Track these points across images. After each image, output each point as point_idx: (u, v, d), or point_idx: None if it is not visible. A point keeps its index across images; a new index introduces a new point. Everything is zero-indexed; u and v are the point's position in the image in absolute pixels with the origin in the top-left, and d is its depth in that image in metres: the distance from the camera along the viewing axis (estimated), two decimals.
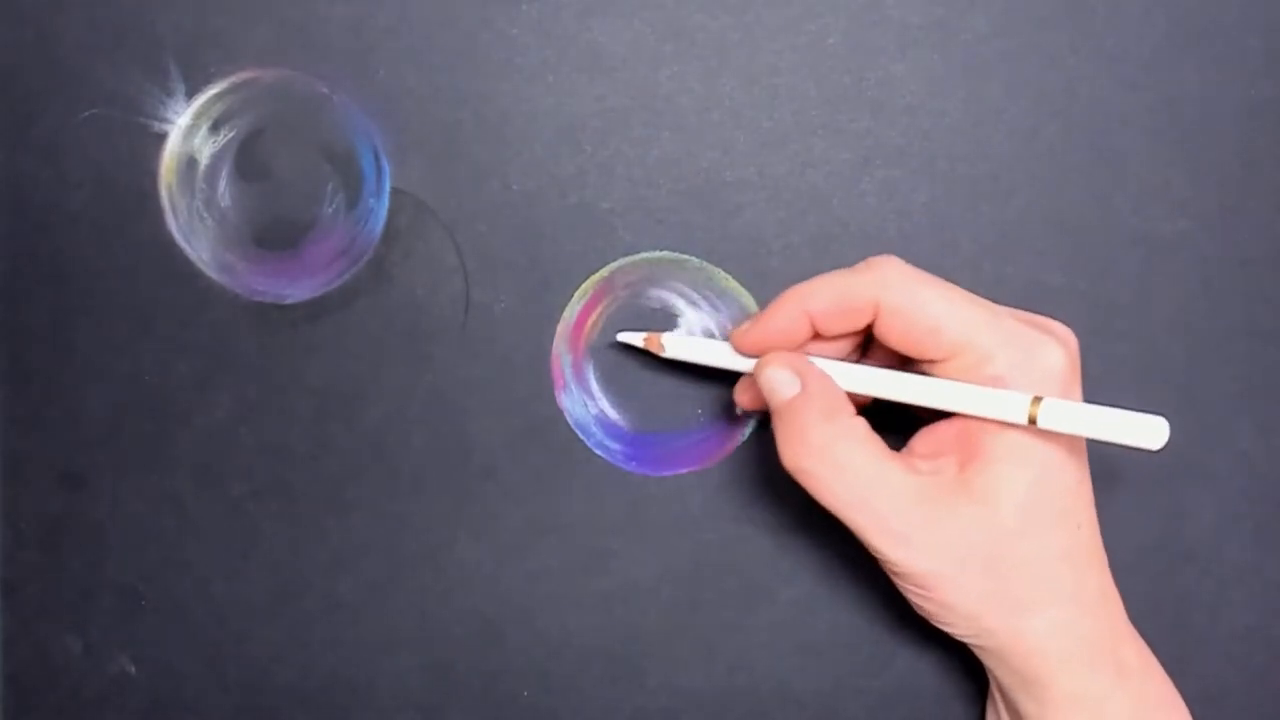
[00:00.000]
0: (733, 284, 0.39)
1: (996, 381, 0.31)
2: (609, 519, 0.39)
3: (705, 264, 0.39)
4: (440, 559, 0.39)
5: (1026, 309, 0.39)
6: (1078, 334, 0.39)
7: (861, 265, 0.33)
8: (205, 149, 0.38)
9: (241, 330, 0.39)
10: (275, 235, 0.38)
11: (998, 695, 0.36)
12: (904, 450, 0.34)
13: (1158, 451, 0.30)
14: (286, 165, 0.38)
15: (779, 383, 0.33)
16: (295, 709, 0.40)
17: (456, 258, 0.39)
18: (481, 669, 0.40)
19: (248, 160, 0.38)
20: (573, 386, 0.39)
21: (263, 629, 0.40)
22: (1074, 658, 0.32)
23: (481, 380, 0.39)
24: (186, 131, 0.37)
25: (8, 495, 0.39)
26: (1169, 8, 0.39)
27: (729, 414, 0.39)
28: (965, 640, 0.34)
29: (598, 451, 0.39)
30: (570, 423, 0.39)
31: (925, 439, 0.34)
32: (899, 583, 0.33)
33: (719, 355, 0.36)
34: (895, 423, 0.36)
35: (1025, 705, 0.34)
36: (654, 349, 0.37)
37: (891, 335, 0.32)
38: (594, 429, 0.39)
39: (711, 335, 0.39)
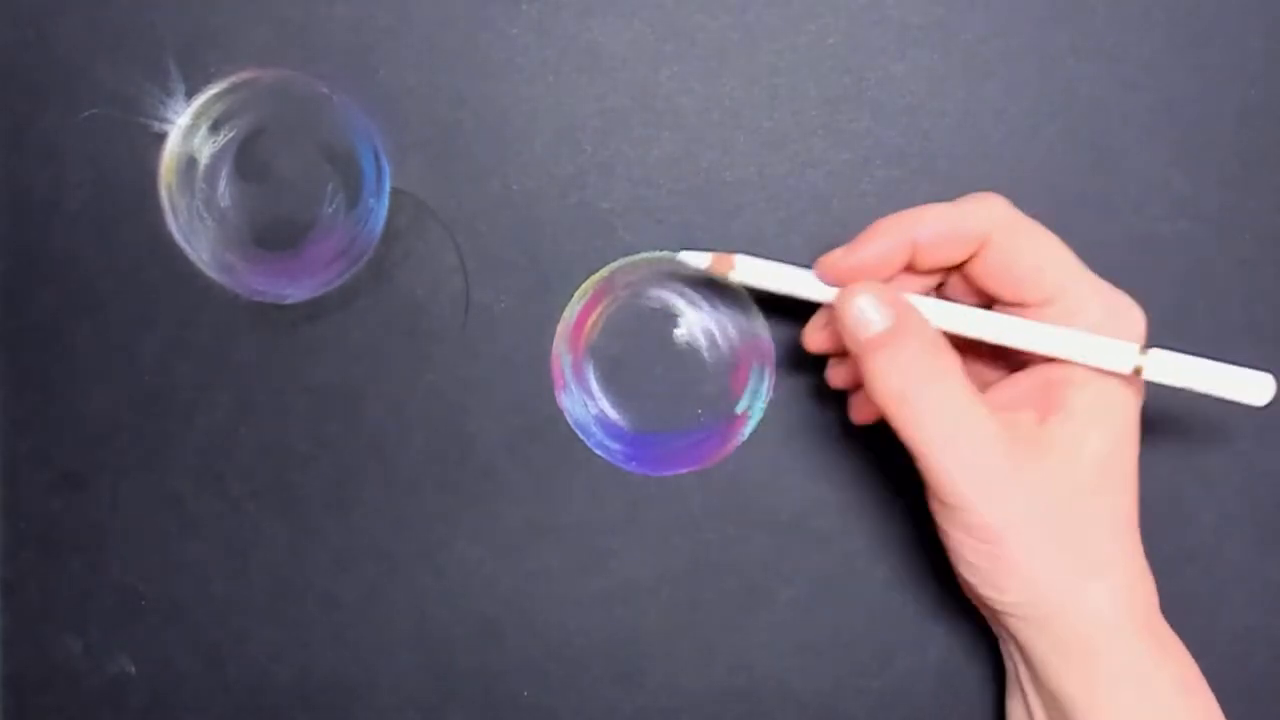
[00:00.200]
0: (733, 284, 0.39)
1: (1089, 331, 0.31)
2: (609, 519, 0.39)
3: None
4: (440, 559, 0.39)
5: None
6: None
7: (967, 199, 0.33)
8: (205, 149, 0.38)
9: (241, 330, 0.39)
10: (275, 235, 0.38)
11: (1025, 680, 0.34)
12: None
13: (1264, 408, 0.29)
14: (286, 165, 0.38)
15: (868, 312, 0.32)
16: (295, 709, 0.40)
17: (456, 258, 0.39)
18: (481, 669, 0.40)
19: (248, 160, 0.38)
20: (573, 386, 0.39)
21: (263, 629, 0.40)
22: (1126, 628, 0.32)
23: (481, 380, 0.39)
24: (186, 131, 0.37)
25: (8, 495, 0.39)
26: (1169, 8, 0.39)
27: (729, 414, 0.39)
28: (1008, 610, 0.32)
29: (598, 451, 0.39)
30: (570, 423, 0.39)
31: (1001, 391, 0.33)
32: (960, 538, 0.32)
33: (797, 283, 0.34)
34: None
35: (1067, 682, 0.32)
36: (724, 269, 0.34)
37: (992, 273, 0.32)
38: (594, 429, 0.39)
39: (711, 335, 0.39)
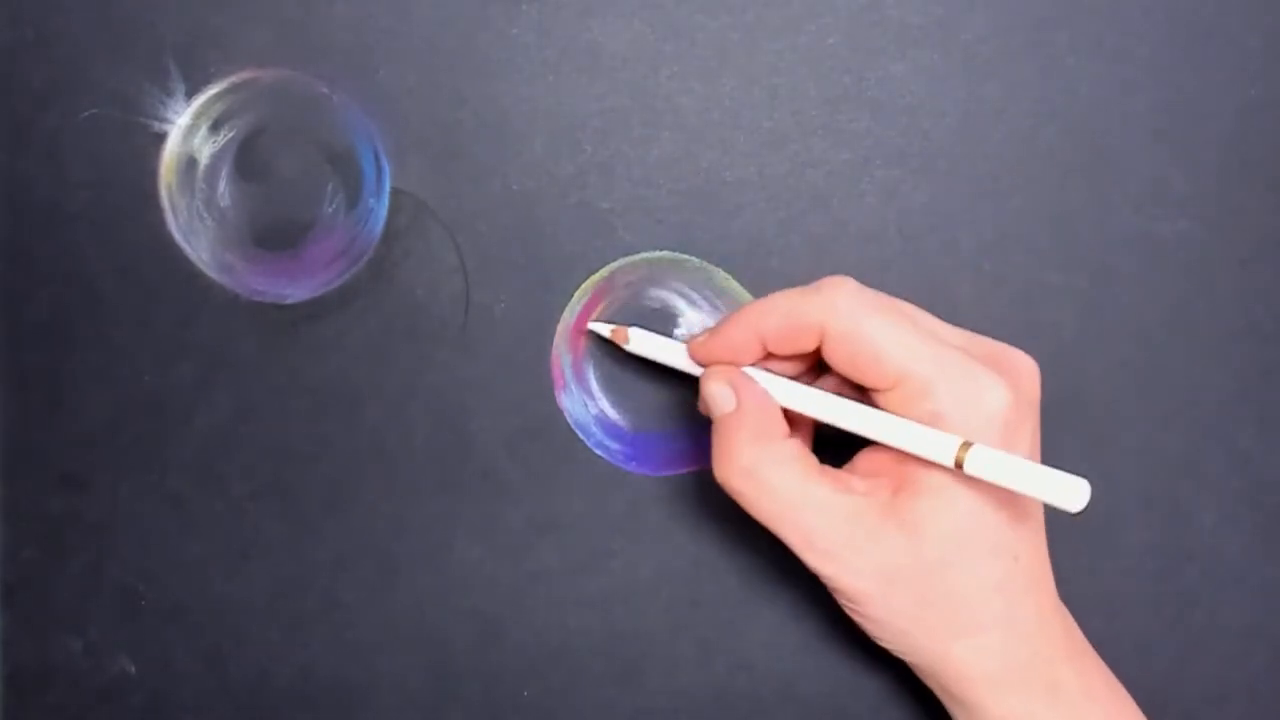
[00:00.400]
0: (733, 284, 0.39)
1: (934, 418, 0.31)
2: (609, 519, 0.39)
3: (705, 264, 0.39)
4: (440, 559, 0.39)
5: (1026, 309, 0.39)
6: (1078, 334, 0.39)
7: (814, 286, 0.33)
8: (205, 149, 0.38)
9: (241, 330, 0.39)
10: (275, 235, 0.38)
11: None
12: (847, 465, 0.35)
13: (1078, 514, 0.29)
14: (286, 165, 0.38)
15: (717, 397, 0.34)
16: (295, 709, 0.40)
17: (456, 258, 0.39)
18: (481, 669, 0.40)
19: (248, 160, 0.38)
20: (573, 386, 0.39)
21: (263, 629, 0.40)
22: (1003, 682, 0.33)
23: (481, 380, 0.39)
24: (186, 131, 0.37)
25: (8, 495, 0.39)
26: (1169, 8, 0.39)
27: None
28: (899, 656, 0.34)
29: (598, 451, 0.39)
30: (570, 423, 0.39)
31: (866, 459, 0.34)
32: (835, 597, 0.34)
33: (678, 357, 0.36)
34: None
35: None
36: (619, 341, 0.38)
37: (836, 359, 0.33)
38: (594, 429, 0.39)
39: None
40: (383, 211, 0.38)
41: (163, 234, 0.37)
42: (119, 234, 0.39)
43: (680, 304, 0.39)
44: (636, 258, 0.39)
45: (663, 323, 0.39)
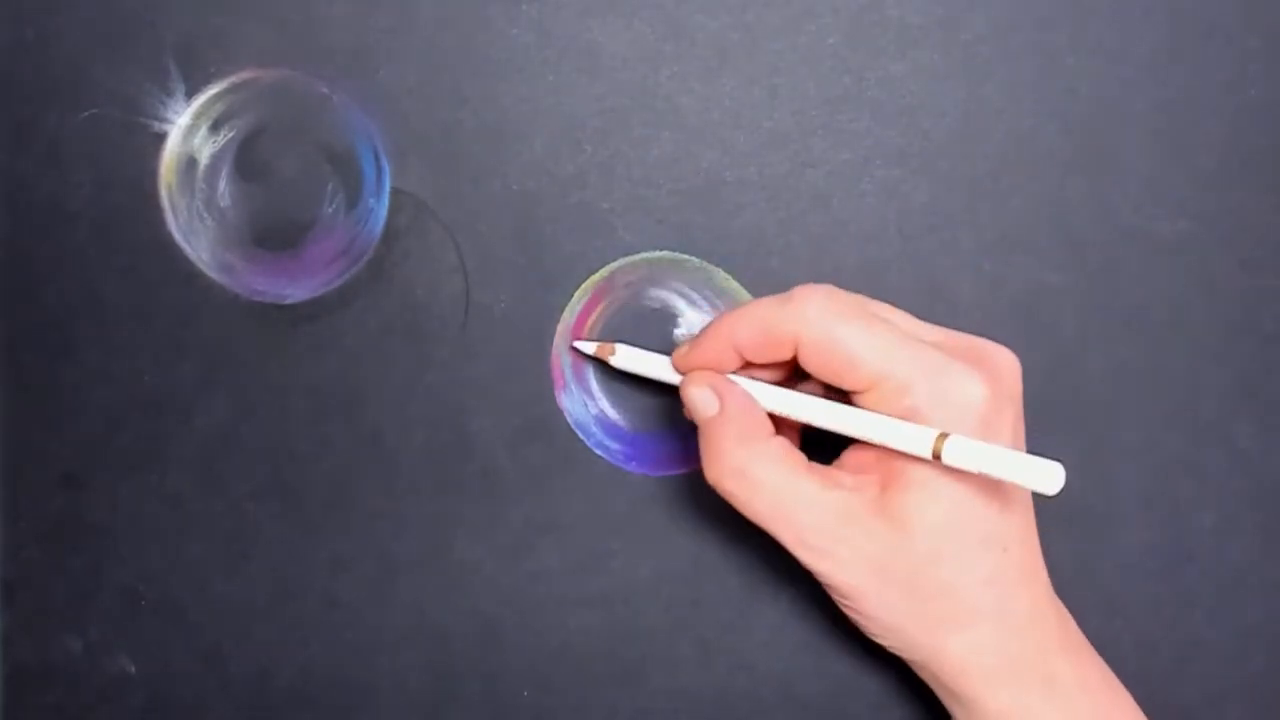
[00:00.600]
0: (733, 284, 0.39)
1: (913, 414, 0.32)
2: (609, 519, 0.39)
3: (705, 264, 0.39)
4: (440, 559, 0.39)
5: (1026, 309, 0.39)
6: (1078, 334, 0.39)
7: (786, 296, 0.33)
8: (205, 149, 0.38)
9: (241, 330, 0.39)
10: (275, 235, 0.38)
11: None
12: (835, 463, 0.35)
13: (1054, 496, 0.30)
14: (286, 165, 0.38)
15: (700, 402, 0.34)
16: (295, 709, 0.40)
17: (456, 258, 0.39)
18: (481, 669, 0.40)
19: (248, 160, 0.38)
20: (573, 386, 0.39)
21: (263, 629, 0.40)
22: (997, 675, 0.33)
23: (481, 380, 0.39)
24: (186, 131, 0.37)
25: (8, 495, 0.39)
26: (1169, 8, 0.39)
27: None
28: (895, 652, 0.34)
29: (598, 451, 0.39)
30: (570, 423, 0.39)
31: (853, 456, 0.34)
32: (829, 592, 0.34)
33: (663, 370, 0.37)
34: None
35: (958, 716, 0.35)
36: (605, 357, 0.38)
37: (813, 366, 0.33)
38: (594, 429, 0.39)
39: None
40: (383, 211, 0.38)
41: (163, 234, 0.37)
42: (119, 234, 0.39)
43: (680, 304, 0.39)
44: (636, 258, 0.39)
45: (663, 323, 0.39)
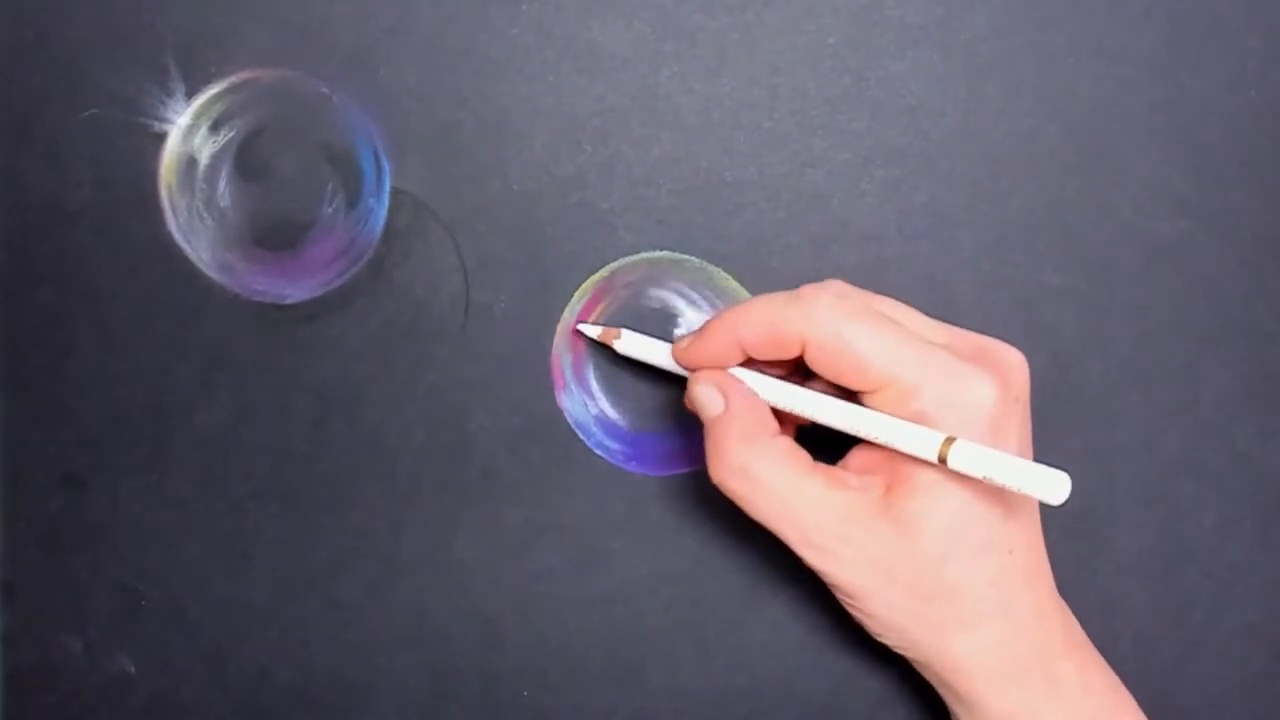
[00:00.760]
0: (733, 284, 0.39)
1: (921, 416, 0.31)
2: (609, 519, 0.39)
3: (705, 264, 0.39)
4: (440, 559, 0.39)
5: (1026, 309, 0.39)
6: (1078, 334, 0.39)
7: (793, 295, 0.33)
8: (205, 149, 0.38)
9: (241, 330, 0.39)
10: (275, 235, 0.38)
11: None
12: (840, 462, 0.35)
13: (1059, 505, 0.30)
14: (286, 165, 0.38)
15: (706, 400, 0.34)
16: (295, 709, 0.40)
17: (456, 258, 0.39)
18: (481, 669, 0.40)
19: (248, 160, 0.38)
20: (573, 386, 0.39)
21: (263, 629, 0.40)
22: (1001, 676, 0.33)
23: (481, 380, 0.39)
24: (186, 131, 0.37)
25: (8, 495, 0.40)
26: (1169, 8, 0.39)
27: None
28: (898, 652, 0.34)
29: (598, 451, 0.39)
30: (570, 423, 0.39)
31: (858, 456, 0.34)
32: (833, 591, 0.34)
33: (666, 359, 0.36)
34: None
35: (961, 716, 0.35)
36: (608, 341, 0.38)
37: (820, 366, 0.33)
38: (594, 429, 0.39)
39: None
40: (383, 211, 0.38)
41: (163, 234, 0.37)
42: (119, 234, 0.39)
43: (680, 304, 0.39)
44: (636, 258, 0.39)
45: (663, 323, 0.39)
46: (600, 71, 0.39)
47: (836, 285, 0.33)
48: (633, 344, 0.37)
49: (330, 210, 0.38)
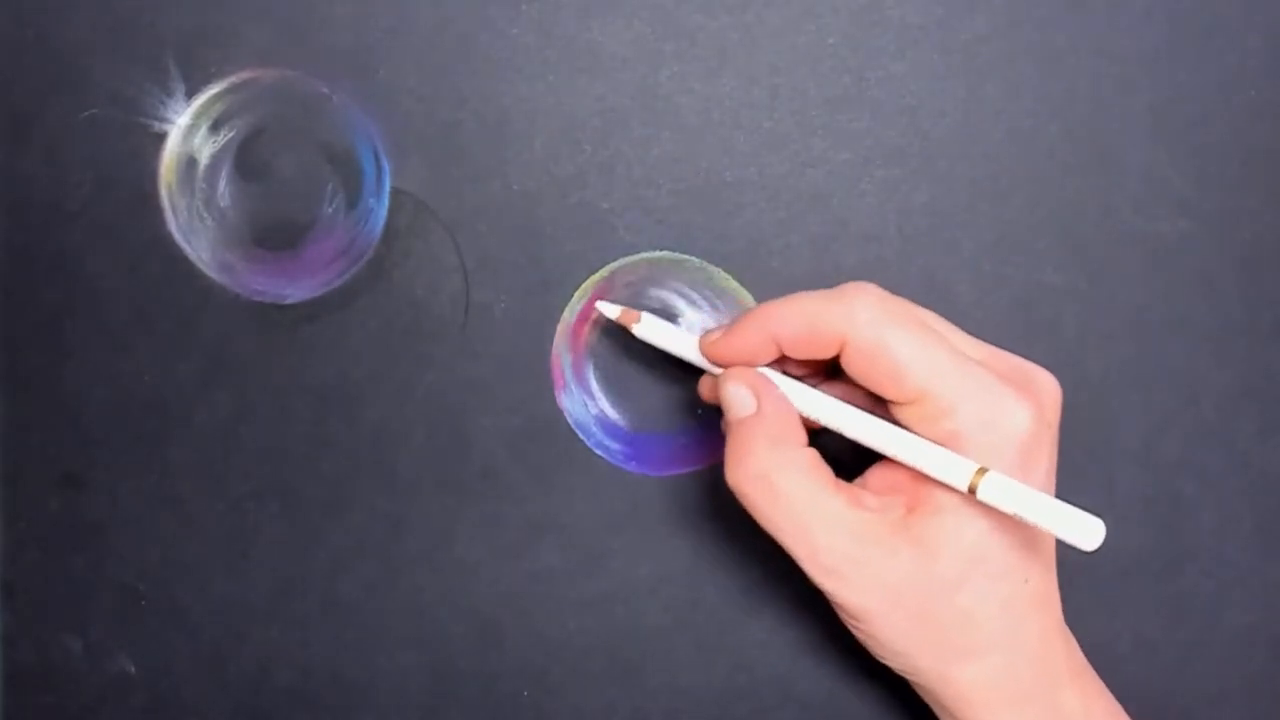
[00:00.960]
0: (733, 284, 0.39)
1: (953, 437, 0.31)
2: (609, 519, 0.39)
3: (705, 264, 0.39)
4: (440, 559, 0.39)
5: (1026, 309, 0.39)
6: (1078, 334, 0.39)
7: (836, 292, 0.32)
8: (205, 149, 0.38)
9: (241, 330, 0.39)
10: (275, 235, 0.38)
11: None
12: (859, 480, 0.34)
13: (1092, 552, 0.29)
14: (286, 165, 0.38)
15: (736, 400, 0.33)
16: (295, 709, 0.40)
17: (456, 258, 0.39)
18: (481, 669, 0.40)
19: (248, 160, 0.38)
20: (573, 386, 0.39)
21: (263, 629, 0.40)
22: (1004, 704, 0.32)
23: (481, 380, 0.39)
24: (186, 131, 0.37)
25: (8, 495, 0.40)
26: (1169, 8, 0.39)
27: None
28: (899, 673, 0.34)
29: (598, 451, 0.39)
30: (570, 423, 0.39)
31: (880, 475, 0.34)
32: (837, 611, 0.33)
33: (688, 349, 0.36)
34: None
35: None
36: (628, 323, 0.36)
37: (855, 369, 0.32)
38: (594, 429, 0.39)
39: None
40: (383, 211, 0.38)
41: (163, 234, 0.37)
42: (119, 234, 0.39)
43: (680, 304, 0.39)
44: (636, 258, 0.39)
45: None
46: (600, 71, 0.39)
47: (877, 288, 0.32)
48: (652, 330, 0.36)
49: (330, 210, 0.38)
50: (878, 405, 0.33)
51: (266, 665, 0.40)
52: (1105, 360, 0.39)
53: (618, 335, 0.39)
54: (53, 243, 0.39)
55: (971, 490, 0.30)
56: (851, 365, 0.32)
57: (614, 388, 0.39)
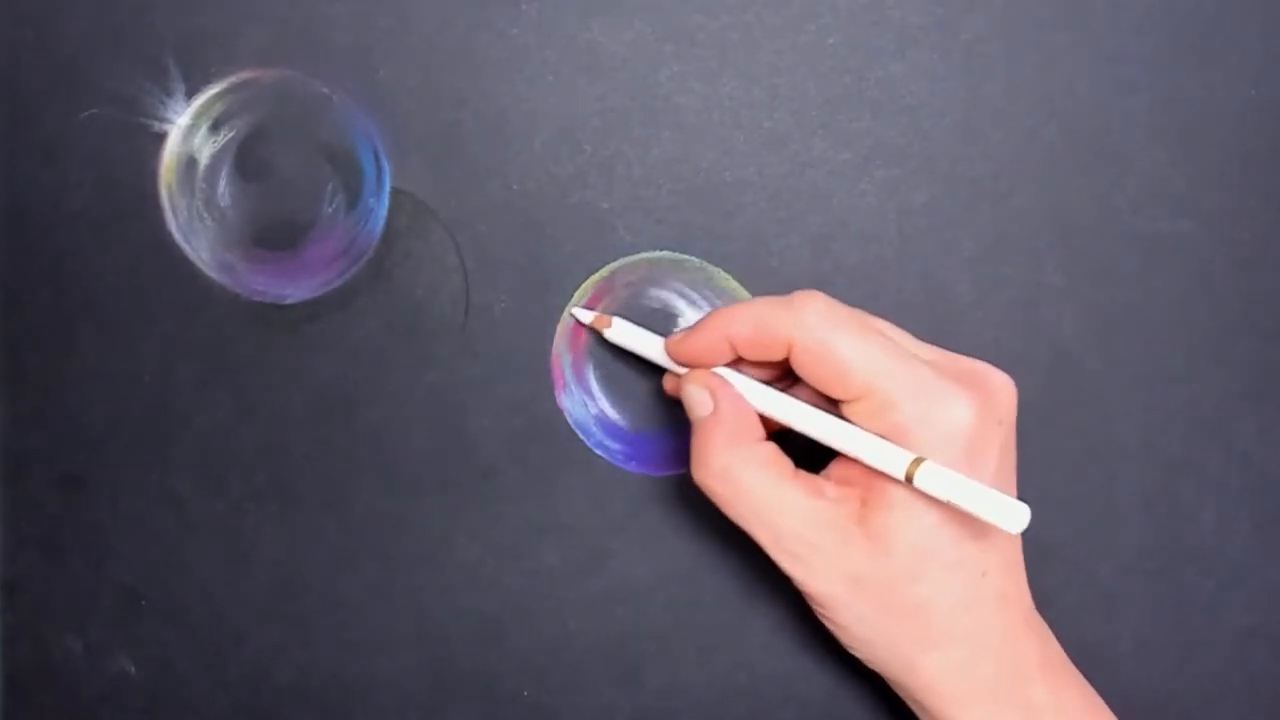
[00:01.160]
0: (733, 284, 0.39)
1: (898, 431, 0.32)
2: (609, 519, 0.39)
3: (705, 264, 0.39)
4: (440, 559, 0.39)
5: (1026, 309, 0.39)
6: (1078, 334, 0.39)
7: (785, 299, 0.33)
8: (205, 149, 0.38)
9: (241, 330, 0.39)
10: (275, 235, 0.38)
11: None
12: (823, 472, 0.35)
13: (1018, 534, 0.30)
14: (286, 165, 0.38)
15: (695, 401, 0.34)
16: (295, 709, 0.40)
17: (456, 258, 0.39)
18: (481, 669, 0.40)
19: (248, 160, 0.38)
20: (573, 386, 0.39)
21: (263, 629, 0.40)
22: (969, 696, 0.33)
23: (481, 380, 0.39)
24: (186, 131, 0.37)
25: (8, 495, 0.40)
26: (1169, 8, 0.39)
27: None
28: (870, 667, 0.35)
29: (598, 451, 0.39)
30: (570, 423, 0.39)
31: (838, 470, 0.35)
32: (808, 601, 0.34)
33: (655, 351, 0.37)
34: None
35: None
36: (600, 328, 0.38)
37: (804, 370, 0.33)
38: (594, 429, 0.39)
39: None
40: (383, 211, 0.38)
41: (163, 234, 0.37)
42: (119, 234, 0.39)
43: (680, 304, 0.39)
44: (636, 258, 0.39)
45: (663, 322, 0.39)
46: (600, 71, 0.39)
47: (827, 296, 0.34)
48: (623, 333, 0.38)
49: (330, 210, 0.38)
50: (832, 406, 0.34)
51: (266, 665, 0.40)
52: (1105, 360, 0.39)
53: None
54: (53, 243, 0.39)
55: (909, 479, 0.31)
56: (801, 367, 0.33)
57: (614, 388, 0.39)
